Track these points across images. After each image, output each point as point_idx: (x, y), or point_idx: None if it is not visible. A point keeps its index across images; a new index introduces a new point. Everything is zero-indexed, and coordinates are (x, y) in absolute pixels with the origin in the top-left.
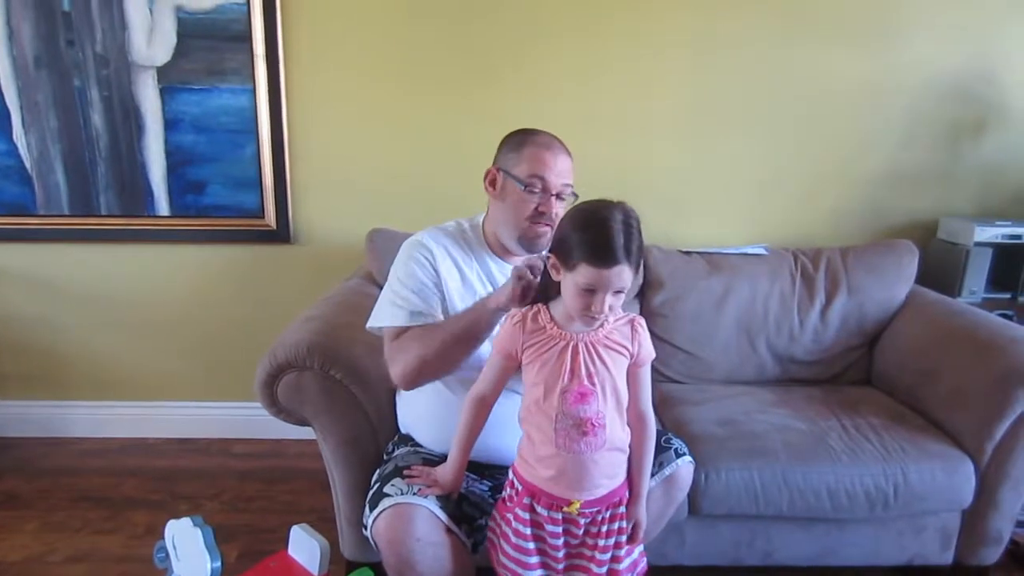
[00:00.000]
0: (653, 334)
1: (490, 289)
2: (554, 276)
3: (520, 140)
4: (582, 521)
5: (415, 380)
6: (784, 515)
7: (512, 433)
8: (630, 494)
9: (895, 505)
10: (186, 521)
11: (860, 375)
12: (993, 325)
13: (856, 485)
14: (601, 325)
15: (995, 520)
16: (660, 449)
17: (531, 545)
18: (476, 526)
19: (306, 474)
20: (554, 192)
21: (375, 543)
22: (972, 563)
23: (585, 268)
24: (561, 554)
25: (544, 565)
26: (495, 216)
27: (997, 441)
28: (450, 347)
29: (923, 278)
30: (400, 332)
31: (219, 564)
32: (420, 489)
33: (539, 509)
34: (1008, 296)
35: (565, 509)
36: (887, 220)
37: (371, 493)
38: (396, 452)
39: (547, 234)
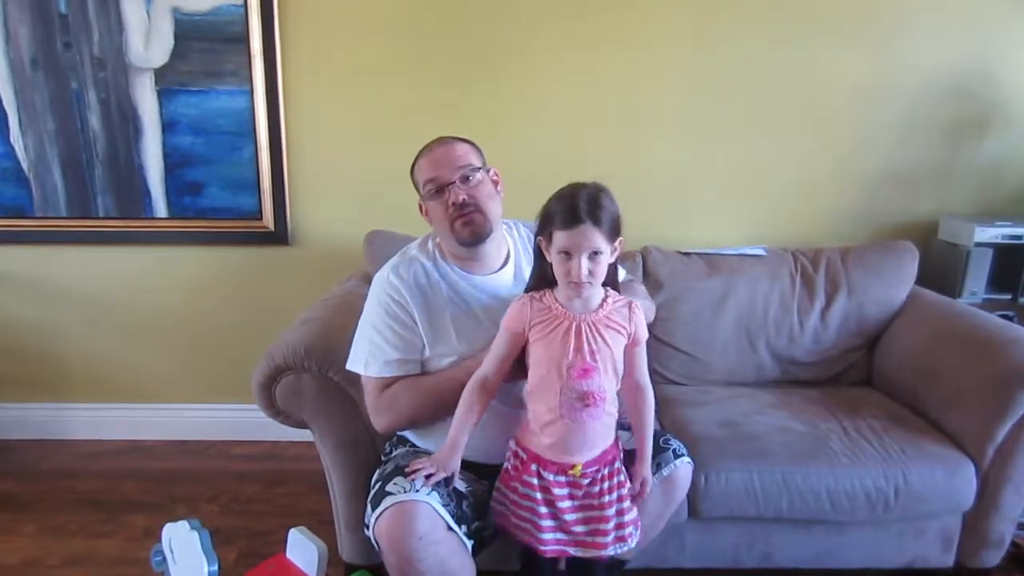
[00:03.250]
0: (653, 335)
1: (457, 301)
2: (547, 257)
3: (414, 164)
4: (584, 482)
5: (401, 429)
6: (784, 517)
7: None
8: (636, 455)
9: (895, 507)
10: (183, 524)
11: (860, 376)
12: (993, 326)
13: (856, 487)
14: (601, 306)
15: (996, 522)
16: (658, 450)
17: (543, 507)
18: (476, 527)
19: (304, 476)
20: (452, 180)
21: (376, 542)
22: (973, 565)
23: (557, 233)
24: (568, 507)
25: (557, 523)
26: (438, 234)
27: (998, 443)
28: (446, 399)
29: (923, 279)
30: (384, 384)
31: (216, 567)
32: (423, 473)
33: (545, 474)
34: (1008, 297)
35: (569, 472)
36: (887, 220)
37: (372, 492)
38: (395, 452)
39: (474, 219)
